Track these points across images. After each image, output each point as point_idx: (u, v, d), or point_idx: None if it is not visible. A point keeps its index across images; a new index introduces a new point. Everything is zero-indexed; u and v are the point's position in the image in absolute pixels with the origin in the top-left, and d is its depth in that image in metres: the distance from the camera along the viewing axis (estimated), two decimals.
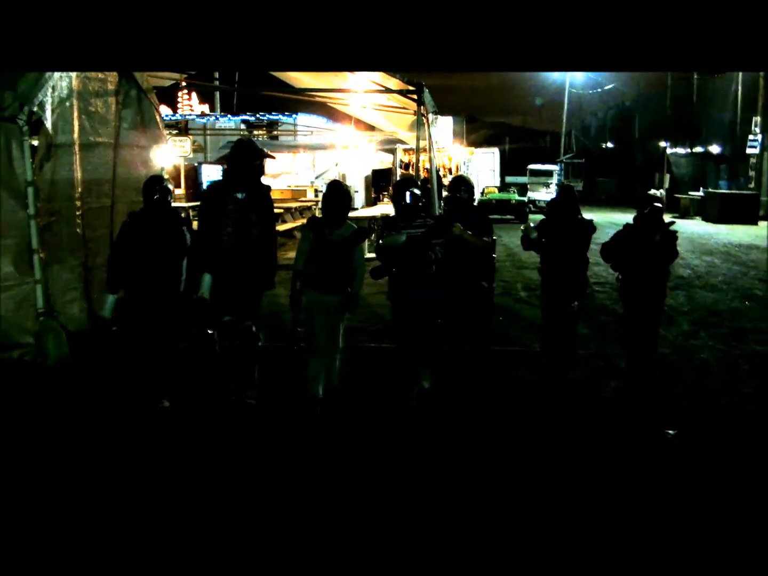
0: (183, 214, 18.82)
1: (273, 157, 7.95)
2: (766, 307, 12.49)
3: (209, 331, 7.51)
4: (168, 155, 13.42)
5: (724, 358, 9.22)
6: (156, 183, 7.16)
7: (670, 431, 6.64)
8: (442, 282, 7.18)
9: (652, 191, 8.52)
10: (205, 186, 21.85)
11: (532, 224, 8.08)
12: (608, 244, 7.87)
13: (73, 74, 8.76)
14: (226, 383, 7.26)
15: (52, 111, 8.42)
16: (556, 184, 41.66)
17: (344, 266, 7.00)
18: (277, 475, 5.81)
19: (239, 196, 6.99)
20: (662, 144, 51.23)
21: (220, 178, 7.81)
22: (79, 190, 9.14)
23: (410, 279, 7.11)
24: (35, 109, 8.03)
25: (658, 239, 7.43)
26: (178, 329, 7.34)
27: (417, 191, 7.21)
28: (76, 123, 9.00)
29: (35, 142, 8.60)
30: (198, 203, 21.49)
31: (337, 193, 7.13)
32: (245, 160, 7.10)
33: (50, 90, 8.27)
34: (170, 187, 7.26)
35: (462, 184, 7.89)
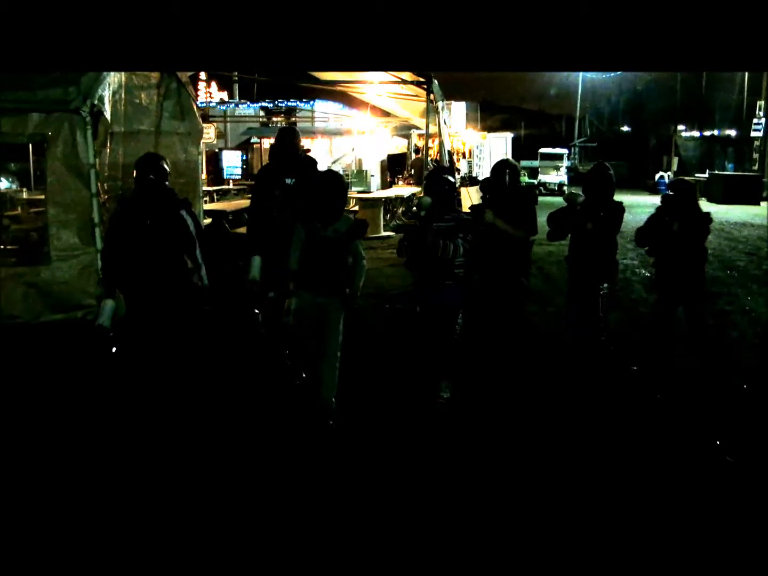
0: (206, 199, 19.75)
1: (308, 150, 7.83)
2: (745, 275, 13.66)
3: (255, 311, 7.77)
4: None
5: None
6: (151, 162, 6.32)
7: (634, 367, 7.86)
8: (465, 279, 6.66)
9: (680, 177, 8.39)
10: (233, 169, 23.16)
11: (574, 190, 7.68)
12: (642, 229, 7.54)
13: None
14: (273, 362, 7.26)
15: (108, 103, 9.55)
16: (567, 167, 42.86)
17: (341, 264, 6.35)
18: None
19: (288, 181, 7.22)
20: (672, 127, 51.97)
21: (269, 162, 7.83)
22: (121, 172, 10.21)
23: (430, 275, 6.59)
24: (96, 102, 9.15)
25: (676, 228, 7.12)
26: (194, 335, 6.49)
27: (452, 179, 6.69)
28: (123, 113, 10.19)
29: None
30: (219, 187, 22.75)
31: (332, 183, 6.42)
32: (282, 148, 7.39)
33: (108, 85, 9.45)
34: (166, 167, 6.38)
35: (507, 167, 7.20)
